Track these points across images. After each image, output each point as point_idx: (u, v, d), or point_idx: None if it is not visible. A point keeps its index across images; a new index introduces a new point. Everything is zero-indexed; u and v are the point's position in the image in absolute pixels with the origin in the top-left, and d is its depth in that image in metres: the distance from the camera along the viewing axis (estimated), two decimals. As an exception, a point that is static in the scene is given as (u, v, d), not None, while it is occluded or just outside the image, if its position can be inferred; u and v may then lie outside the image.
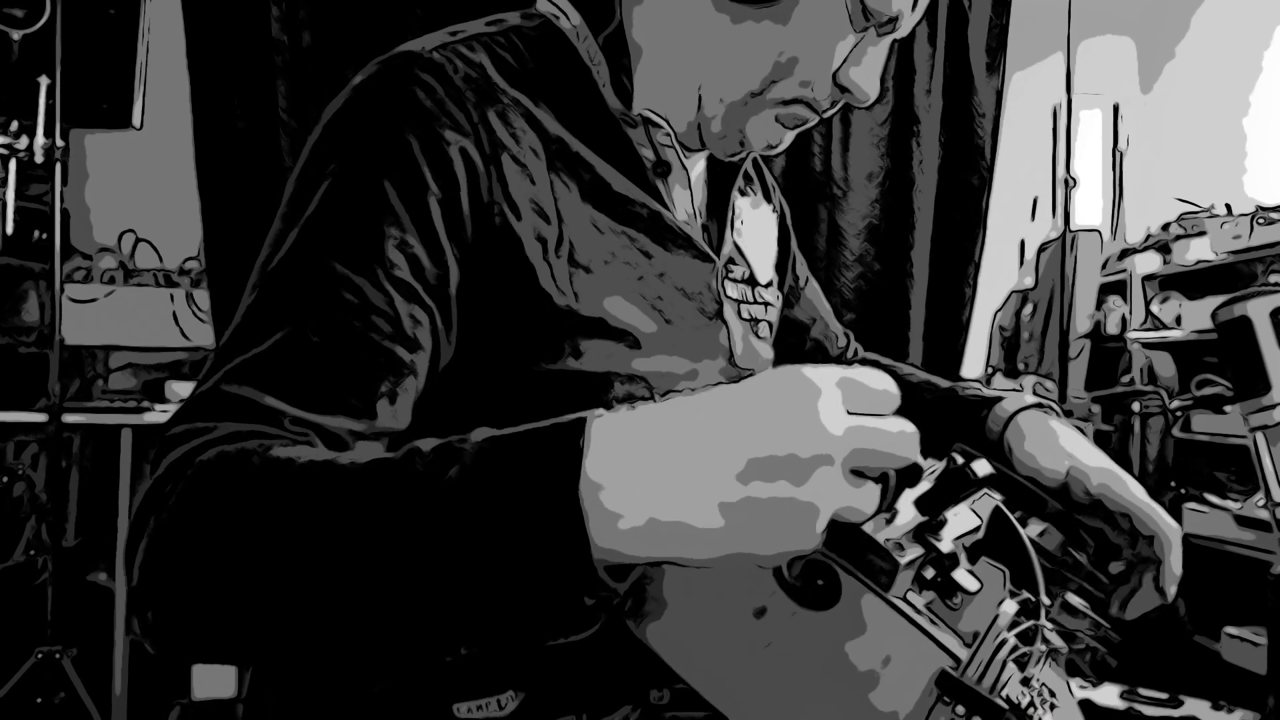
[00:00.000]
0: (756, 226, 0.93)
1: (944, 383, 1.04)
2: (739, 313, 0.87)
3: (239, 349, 0.62)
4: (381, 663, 0.56)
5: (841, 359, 1.16)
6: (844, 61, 0.76)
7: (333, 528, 0.50)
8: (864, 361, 1.18)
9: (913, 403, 1.01)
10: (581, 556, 0.46)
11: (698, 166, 0.88)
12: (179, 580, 0.54)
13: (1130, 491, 0.80)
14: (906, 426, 0.48)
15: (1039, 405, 0.90)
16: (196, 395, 0.61)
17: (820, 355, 1.14)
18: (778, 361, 1.04)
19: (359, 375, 0.63)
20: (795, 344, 1.11)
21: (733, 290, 0.86)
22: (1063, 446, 0.83)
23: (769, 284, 0.93)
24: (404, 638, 0.51)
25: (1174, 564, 0.79)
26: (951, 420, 0.96)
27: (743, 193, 0.92)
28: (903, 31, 0.77)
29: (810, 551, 0.48)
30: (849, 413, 0.47)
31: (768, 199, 1.00)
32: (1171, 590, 0.79)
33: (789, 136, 0.82)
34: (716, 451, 0.46)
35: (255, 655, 0.65)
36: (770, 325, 0.94)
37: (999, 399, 0.93)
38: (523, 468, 0.47)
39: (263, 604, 0.52)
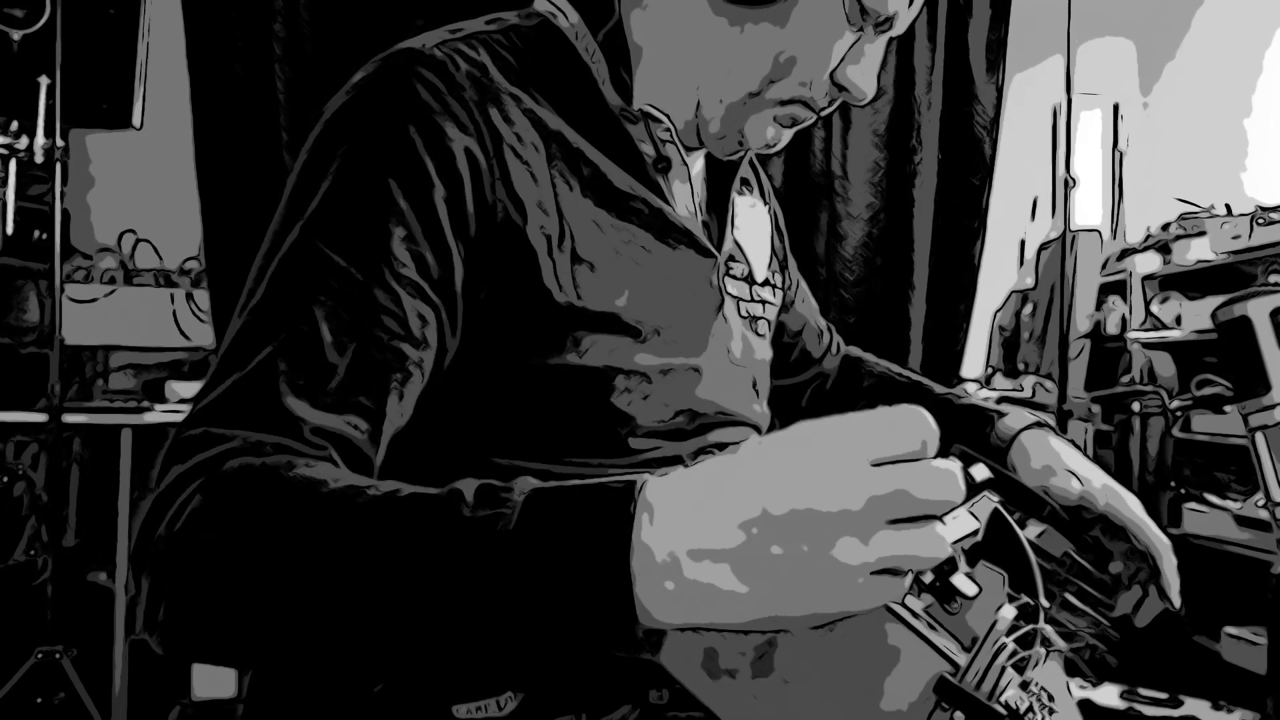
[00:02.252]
0: (753, 226, 0.94)
1: (938, 388, 1.06)
2: (738, 310, 0.87)
3: (248, 351, 0.62)
4: (396, 680, 0.57)
5: (824, 357, 1.17)
6: (841, 60, 0.76)
7: (372, 566, 0.50)
8: (847, 359, 1.19)
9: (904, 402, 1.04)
10: (625, 621, 0.46)
11: (697, 163, 0.88)
12: (200, 588, 0.54)
13: (1128, 507, 0.86)
14: (943, 465, 0.46)
15: (1039, 424, 0.94)
16: (213, 399, 0.61)
17: (805, 360, 1.16)
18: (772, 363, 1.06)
19: (370, 375, 0.64)
20: (785, 348, 1.12)
21: (733, 287, 0.86)
22: (1067, 466, 0.88)
23: (765, 283, 0.93)
24: (430, 664, 0.52)
25: (1169, 573, 0.84)
26: (951, 428, 0.98)
27: (740, 193, 0.92)
28: (899, 29, 0.78)
29: (864, 611, 0.46)
30: (878, 462, 0.45)
31: (764, 201, 1.00)
32: (1177, 599, 0.85)
33: (787, 135, 0.82)
34: (738, 513, 0.45)
35: (267, 664, 0.65)
36: (768, 323, 0.94)
37: (999, 414, 0.95)
38: (573, 534, 0.47)
39: (289, 625, 0.52)
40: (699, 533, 0.46)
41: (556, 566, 0.47)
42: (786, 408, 1.15)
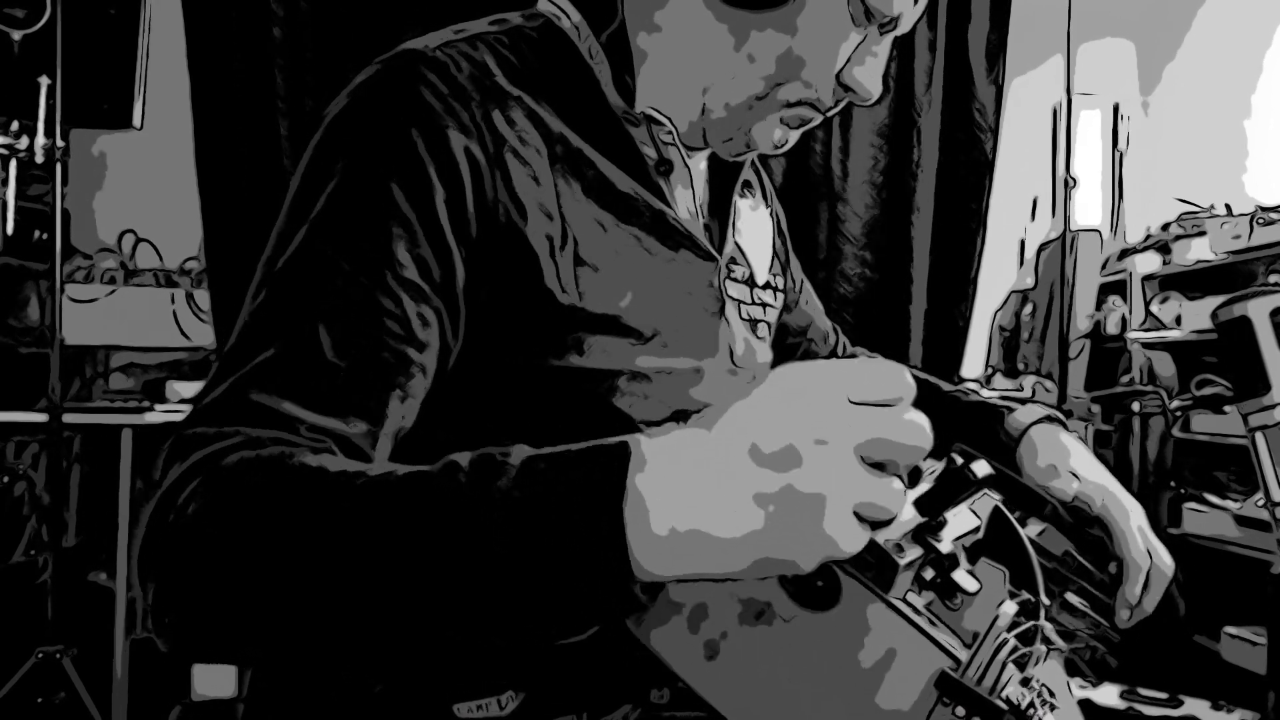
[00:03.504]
0: (755, 229, 0.94)
1: (945, 385, 1.06)
2: (739, 312, 0.87)
3: (250, 352, 0.62)
4: (399, 665, 0.57)
5: (830, 358, 1.17)
6: (847, 61, 0.76)
7: (375, 539, 0.50)
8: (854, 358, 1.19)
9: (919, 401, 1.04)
10: (622, 578, 0.47)
11: (700, 165, 0.88)
12: (207, 582, 0.54)
13: (1124, 513, 0.86)
14: (916, 415, 0.47)
15: (1049, 419, 0.93)
16: (213, 399, 0.61)
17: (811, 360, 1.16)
18: (775, 365, 1.06)
19: (373, 379, 0.64)
20: (790, 348, 1.12)
21: (734, 290, 0.86)
22: (1071, 466, 0.88)
23: (766, 285, 0.93)
24: (433, 644, 0.52)
25: (1128, 590, 0.83)
26: (959, 423, 0.98)
27: (741, 195, 0.92)
28: (904, 28, 0.78)
29: (841, 555, 0.46)
30: (854, 402, 0.47)
31: (766, 203, 1.00)
32: (1123, 615, 0.84)
33: (794, 136, 0.82)
34: (722, 455, 0.47)
35: (277, 657, 0.65)
36: (769, 326, 0.94)
37: (1009, 409, 0.96)
38: (569, 493, 0.48)
39: (296, 610, 0.52)
40: (685, 476, 0.47)
41: (554, 519, 0.47)
42: None
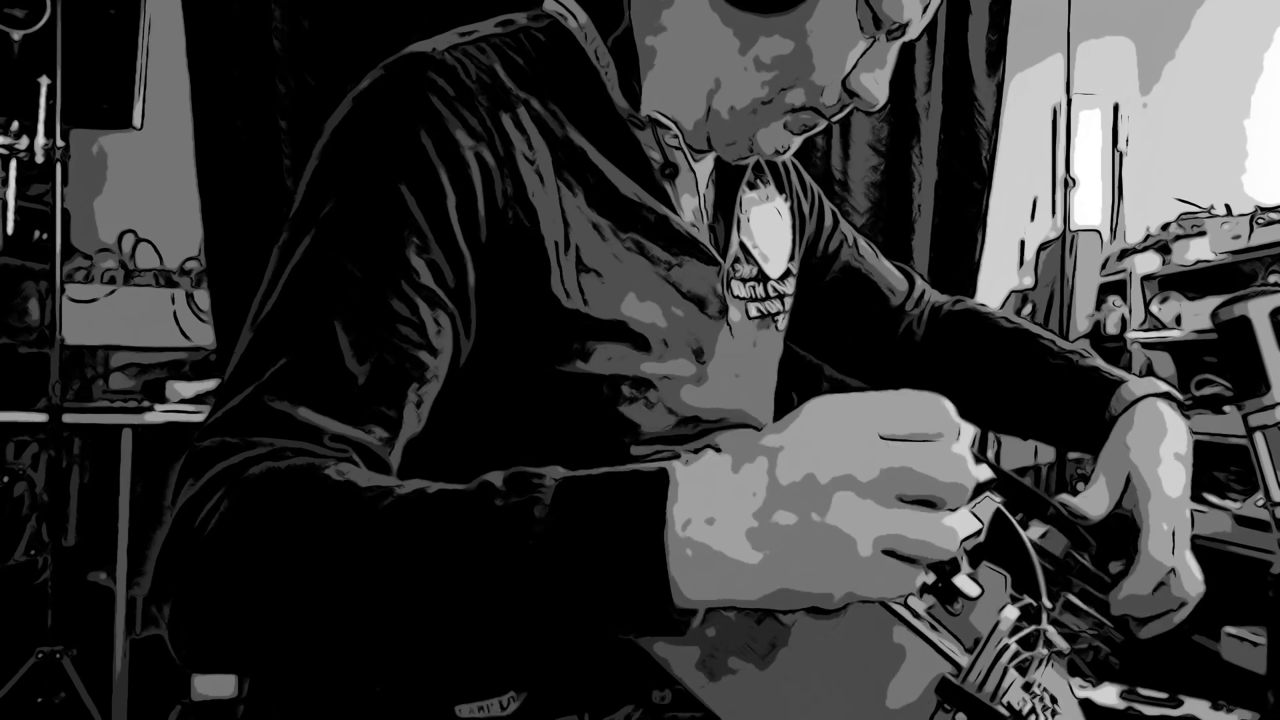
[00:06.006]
0: (766, 221, 0.93)
1: (1061, 342, 0.98)
2: (748, 311, 0.87)
3: (265, 360, 0.62)
4: (420, 679, 0.57)
5: (902, 310, 1.09)
6: (853, 67, 0.76)
7: (409, 561, 0.50)
8: (946, 314, 1.10)
9: (1023, 366, 0.98)
10: (662, 606, 0.47)
11: (705, 166, 0.88)
12: (233, 596, 0.53)
13: (1154, 506, 0.79)
14: (958, 450, 0.46)
15: (1165, 395, 0.87)
16: (230, 409, 0.61)
17: (880, 312, 1.09)
18: (804, 340, 1.04)
19: (390, 385, 0.64)
20: (843, 311, 1.08)
21: (740, 290, 0.86)
22: (1131, 457, 0.82)
23: (783, 276, 0.93)
24: (463, 664, 0.52)
25: (1129, 583, 0.77)
26: (1067, 387, 0.93)
27: (752, 186, 0.92)
28: (911, 36, 0.77)
29: (877, 594, 0.45)
30: (885, 436, 0.46)
31: (780, 189, 0.99)
32: (1118, 599, 0.78)
33: (797, 141, 0.82)
34: (750, 483, 0.47)
35: (299, 671, 0.65)
36: (788, 315, 0.94)
37: (1122, 380, 0.89)
38: (610, 524, 0.48)
39: (325, 629, 0.52)
40: (714, 502, 0.47)
41: (595, 549, 0.47)
42: (868, 365, 1.10)
